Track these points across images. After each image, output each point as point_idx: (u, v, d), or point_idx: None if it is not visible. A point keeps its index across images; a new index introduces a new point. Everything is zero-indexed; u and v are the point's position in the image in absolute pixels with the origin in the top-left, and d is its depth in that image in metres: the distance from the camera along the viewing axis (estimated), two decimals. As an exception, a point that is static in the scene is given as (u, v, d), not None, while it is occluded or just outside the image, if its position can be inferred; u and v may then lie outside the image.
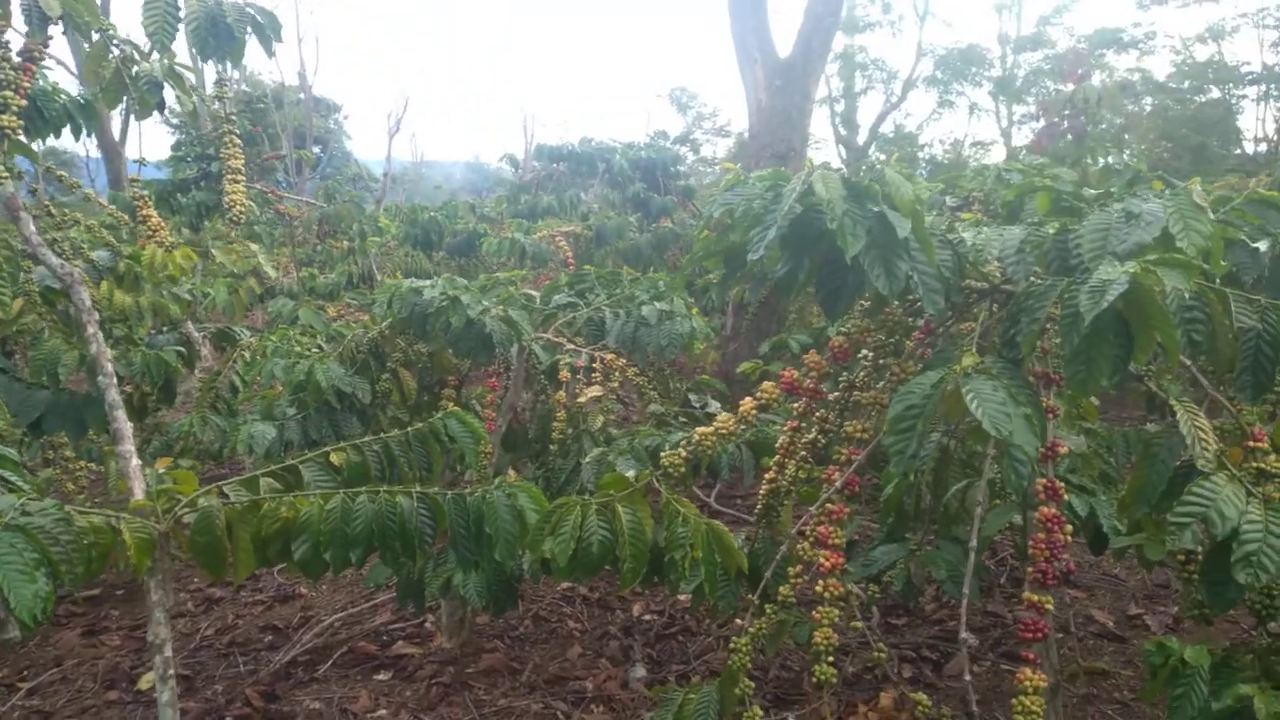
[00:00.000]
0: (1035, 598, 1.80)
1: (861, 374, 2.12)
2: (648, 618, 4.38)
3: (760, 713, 2.07)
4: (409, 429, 2.79)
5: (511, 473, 2.24)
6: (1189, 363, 2.12)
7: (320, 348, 4.18)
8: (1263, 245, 2.08)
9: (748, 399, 2.08)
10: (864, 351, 2.12)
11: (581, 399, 3.69)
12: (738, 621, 2.11)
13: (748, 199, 1.88)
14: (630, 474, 2.07)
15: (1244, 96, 23.26)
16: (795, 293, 1.84)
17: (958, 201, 4.05)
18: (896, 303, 2.02)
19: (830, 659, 1.95)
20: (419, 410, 4.02)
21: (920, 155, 23.74)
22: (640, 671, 3.85)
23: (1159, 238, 1.66)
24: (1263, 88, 22.55)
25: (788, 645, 3.77)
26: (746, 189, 1.95)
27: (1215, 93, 22.77)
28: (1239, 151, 21.07)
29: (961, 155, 24.04)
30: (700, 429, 2.07)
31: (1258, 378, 1.92)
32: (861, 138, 24.63)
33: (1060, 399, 2.25)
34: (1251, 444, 1.93)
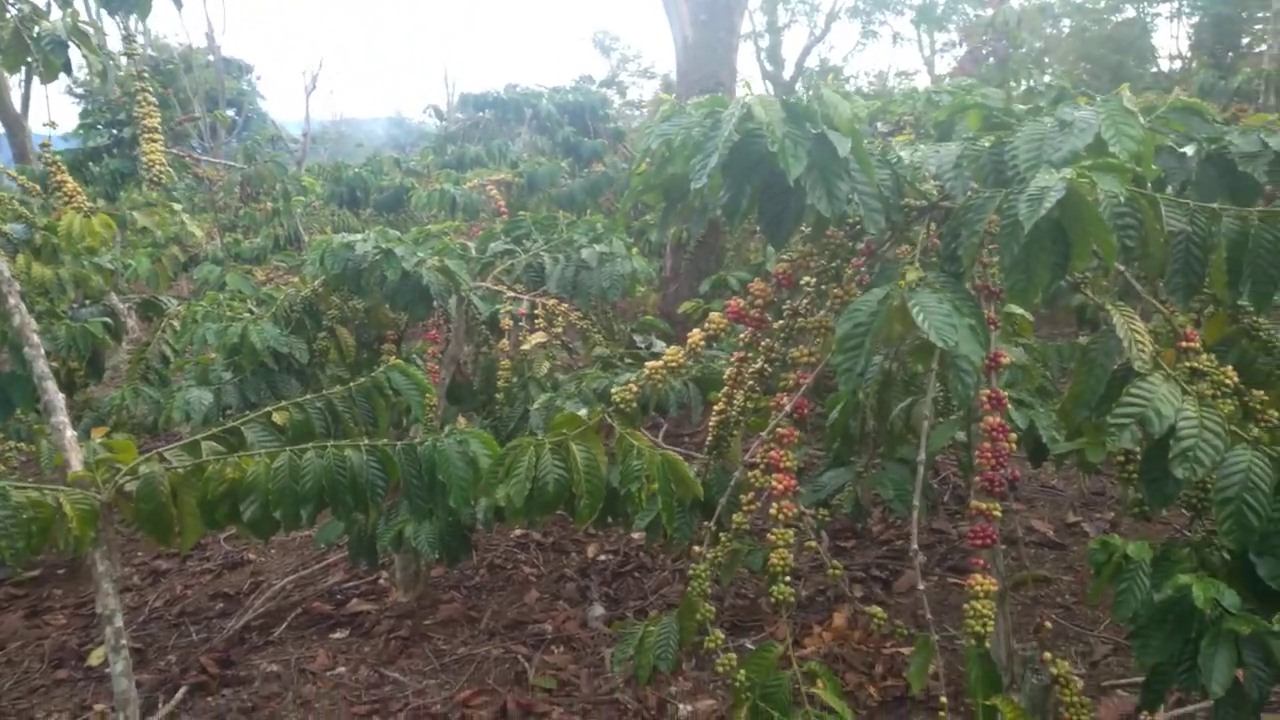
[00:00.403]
0: (983, 505, 1.84)
1: (805, 300, 2.13)
2: (603, 558, 4.42)
3: (722, 636, 2.10)
4: (351, 384, 2.75)
5: (462, 420, 2.22)
6: (1122, 268, 2.17)
7: (251, 312, 4.07)
8: (1189, 150, 2.12)
9: (696, 330, 2.08)
10: (807, 278, 2.13)
11: (525, 346, 3.66)
12: (695, 549, 2.14)
13: (686, 128, 1.85)
14: (582, 413, 2.07)
15: (1157, 15, 23.69)
16: (739, 220, 1.83)
17: (890, 127, 4.07)
18: (837, 227, 2.03)
19: (786, 579, 1.99)
20: (359, 367, 3.96)
21: (847, 88, 23.78)
22: (598, 610, 3.89)
23: (1092, 144, 1.68)
24: (1175, 5, 23.00)
25: (741, 574, 3.83)
26: (684, 118, 1.93)
27: (1130, 11, 23.14)
28: (1155, 70, 21.50)
29: (887, 86, 24.15)
30: (650, 363, 2.07)
31: (1188, 280, 1.97)
32: (788, 73, 24.57)
33: (1000, 313, 2.30)
34: (1184, 344, 1.99)
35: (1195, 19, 22.47)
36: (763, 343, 2.33)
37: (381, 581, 4.24)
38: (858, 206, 1.83)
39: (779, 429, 2.01)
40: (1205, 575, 1.87)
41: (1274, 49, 5.51)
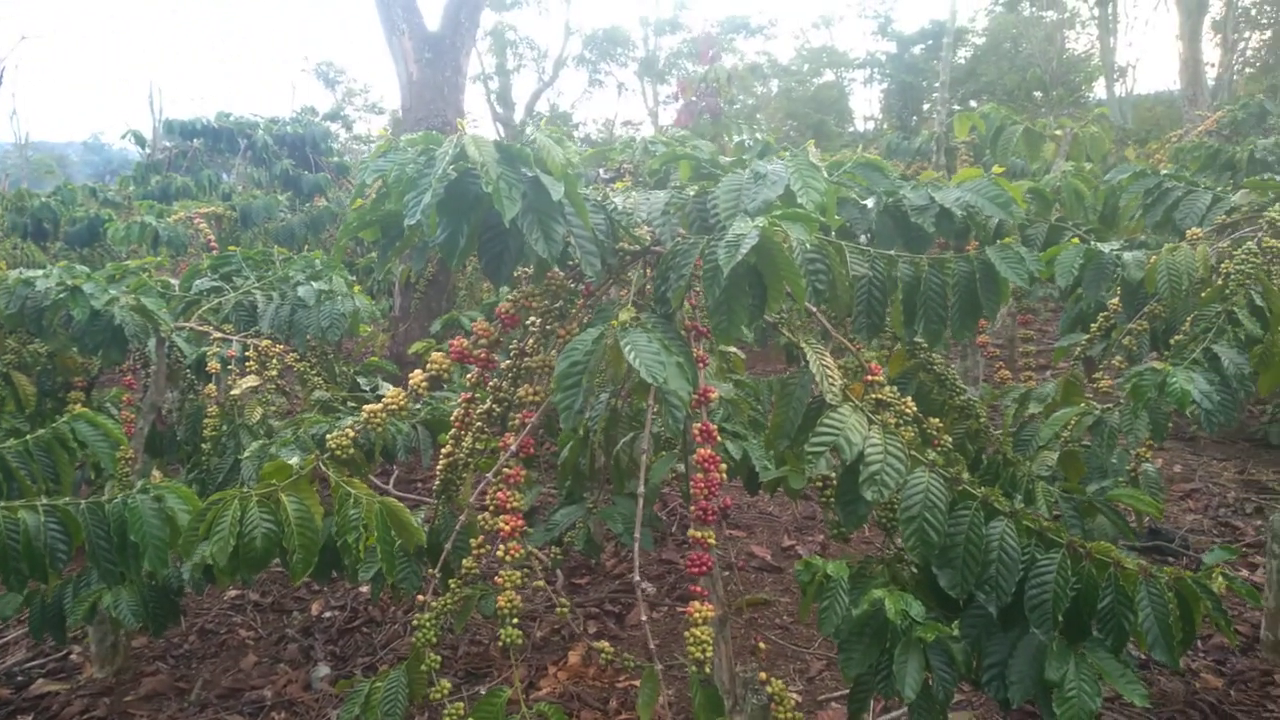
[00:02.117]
0: (699, 534, 1.92)
1: (531, 340, 2.14)
2: (328, 615, 4.19)
3: (449, 686, 2.04)
4: (29, 437, 2.45)
5: (156, 473, 2.02)
6: (815, 310, 2.37)
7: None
8: (870, 202, 2.35)
9: (417, 371, 2.04)
10: (532, 318, 2.14)
11: (235, 391, 3.43)
12: (420, 598, 2.07)
13: (400, 164, 1.82)
14: (294, 461, 1.95)
15: (853, 80, 26.33)
16: (457, 259, 1.81)
17: (610, 173, 4.21)
18: (558, 268, 2.06)
19: (515, 622, 1.97)
20: (41, 418, 3.54)
21: (576, 133, 24.44)
22: (323, 670, 3.68)
23: (783, 195, 1.82)
24: (868, 71, 25.67)
25: (476, 620, 3.77)
26: (399, 154, 1.90)
27: (830, 75, 25.54)
28: (852, 129, 23.80)
29: (614, 133, 25.06)
30: (368, 406, 1.99)
31: (871, 319, 2.18)
32: (518, 115, 24.90)
33: (711, 351, 2.43)
34: (870, 378, 2.19)
35: (884, 85, 25.19)
36: (491, 382, 2.32)
37: (74, 657, 3.78)
38: (575, 249, 1.87)
39: (505, 469, 2.00)
40: (896, 589, 2.05)
41: (943, 114, 6.26)
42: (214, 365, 3.43)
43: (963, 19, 23.29)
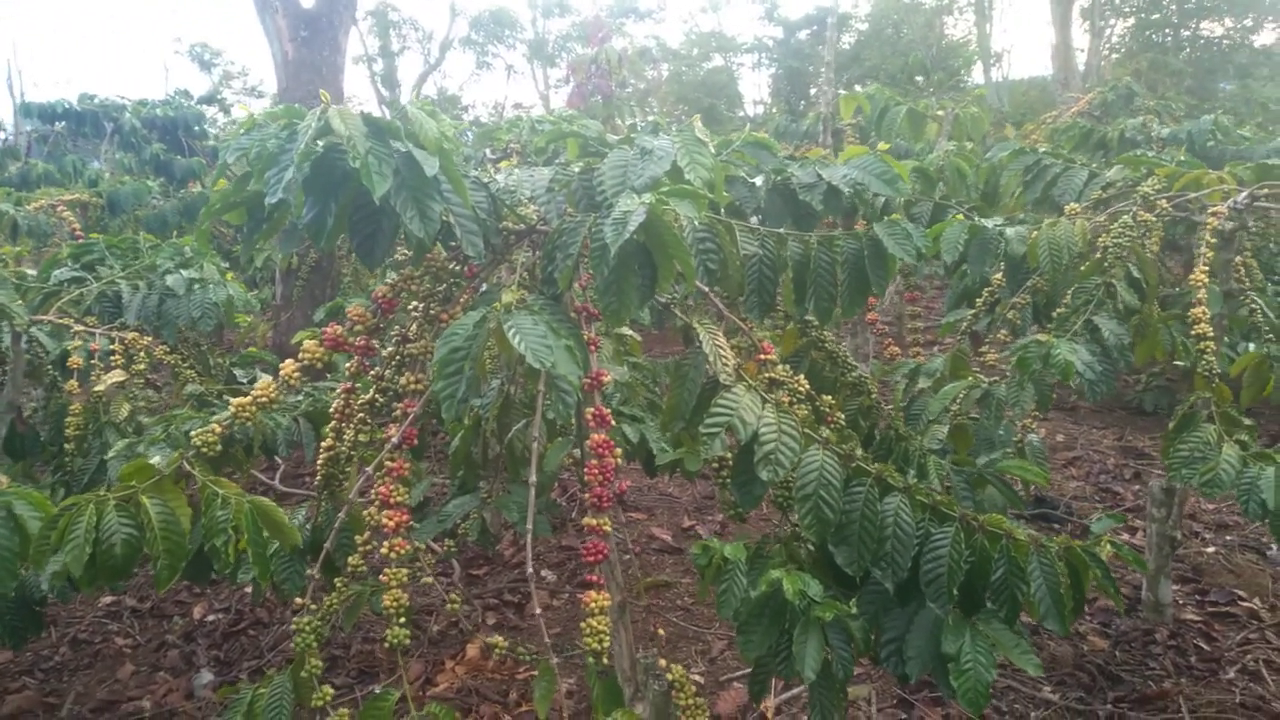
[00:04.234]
0: (594, 521, 1.86)
1: (414, 325, 2.04)
2: (211, 618, 4.00)
3: (331, 691, 1.94)
4: None
5: (1, 478, 1.85)
6: (707, 290, 2.33)
7: None
8: (759, 180, 2.33)
9: (289, 361, 1.91)
10: (414, 302, 2.04)
11: (99, 388, 3.21)
12: (298, 600, 1.96)
13: (263, 140, 1.70)
14: (156, 460, 1.82)
15: (741, 64, 26.54)
16: (326, 240, 1.70)
17: (497, 154, 4.10)
18: (441, 248, 1.97)
19: (402, 620, 1.88)
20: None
21: (465, 116, 24.02)
22: (206, 677, 3.51)
23: (670, 171, 1.77)
24: (756, 56, 25.91)
25: (369, 617, 3.64)
26: (262, 131, 1.78)
27: (719, 60, 25.68)
28: (742, 113, 24.01)
29: (504, 116, 24.69)
30: (236, 399, 1.86)
31: (762, 299, 2.15)
32: (404, 98, 24.29)
33: (605, 334, 2.37)
34: (762, 357, 2.16)
35: (772, 70, 25.47)
36: (372, 371, 2.21)
37: (-78, 681, 3.51)
38: (455, 227, 1.79)
39: (387, 462, 1.91)
40: (793, 569, 2.04)
41: (828, 95, 6.33)
42: (76, 360, 3.21)
43: (847, 4, 23.74)
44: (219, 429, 1.84)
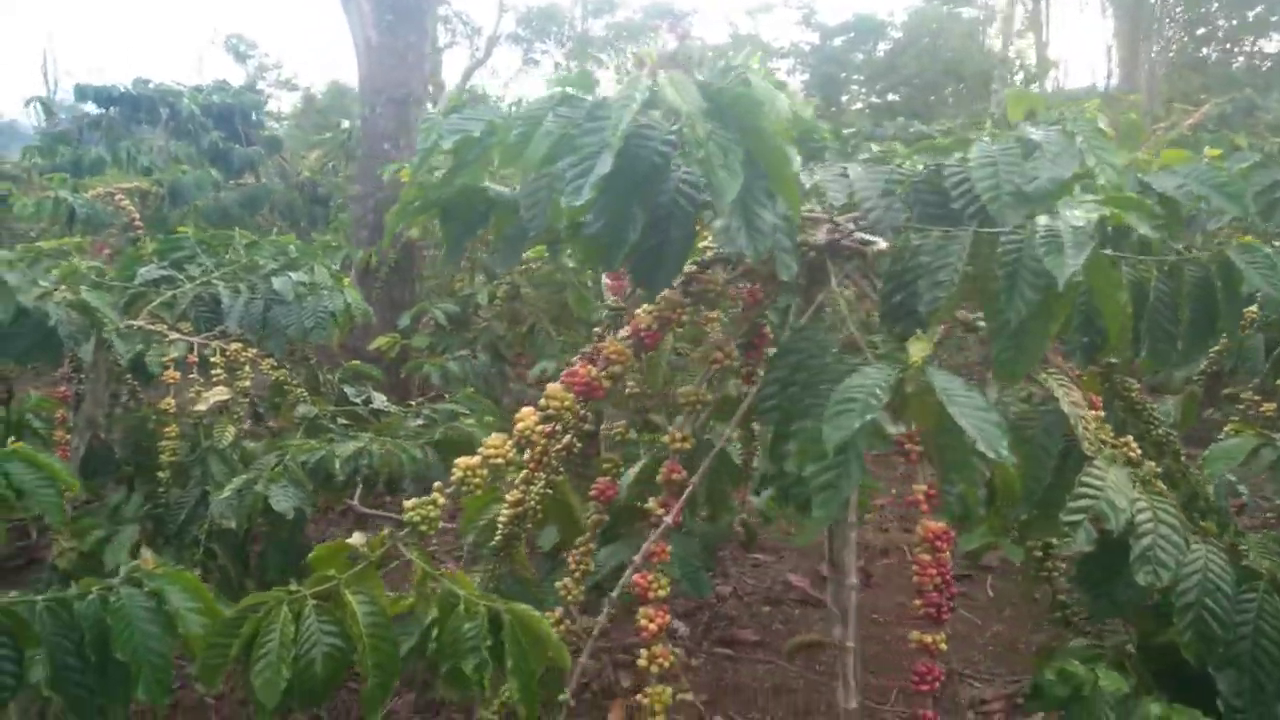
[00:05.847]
0: (926, 639, 1.40)
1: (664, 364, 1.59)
2: None
3: None
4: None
5: (148, 555, 1.40)
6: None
7: None
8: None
9: (528, 410, 1.44)
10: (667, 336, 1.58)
11: (200, 407, 2.77)
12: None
13: (530, 119, 1.25)
14: (356, 540, 1.36)
15: (777, 69, 26.19)
16: (621, 257, 1.25)
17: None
18: (758, 267, 1.51)
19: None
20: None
21: (509, 113, 23.79)
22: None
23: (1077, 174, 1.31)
24: (790, 61, 25.58)
25: None
26: (481, 110, 1.37)
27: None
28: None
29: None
30: (463, 460, 1.39)
31: (1092, 336, 1.69)
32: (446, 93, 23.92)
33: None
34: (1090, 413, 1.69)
35: (806, 76, 25.12)
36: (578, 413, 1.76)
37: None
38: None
39: (650, 546, 1.45)
40: (1132, 678, 1.58)
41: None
42: (172, 375, 2.77)
43: (883, 12, 23.50)
44: (441, 499, 1.37)
